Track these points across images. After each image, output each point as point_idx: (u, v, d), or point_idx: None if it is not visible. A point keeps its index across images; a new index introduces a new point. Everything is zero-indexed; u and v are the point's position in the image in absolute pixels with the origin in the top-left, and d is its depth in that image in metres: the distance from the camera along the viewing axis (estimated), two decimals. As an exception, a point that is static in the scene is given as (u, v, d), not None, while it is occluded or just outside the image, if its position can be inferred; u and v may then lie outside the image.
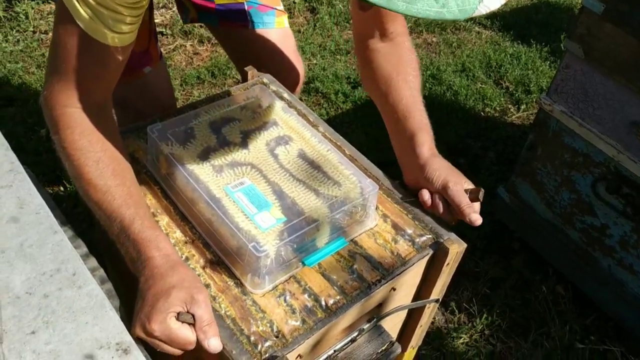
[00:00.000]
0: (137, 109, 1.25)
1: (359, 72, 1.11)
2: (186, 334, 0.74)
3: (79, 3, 0.76)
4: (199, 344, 0.75)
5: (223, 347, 0.76)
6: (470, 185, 0.95)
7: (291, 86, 1.33)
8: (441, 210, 0.95)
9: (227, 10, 1.28)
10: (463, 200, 0.92)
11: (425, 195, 0.96)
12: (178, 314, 0.74)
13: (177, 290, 0.75)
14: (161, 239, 0.81)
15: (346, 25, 2.74)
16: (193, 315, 0.75)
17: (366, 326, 0.94)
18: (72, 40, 0.79)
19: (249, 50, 1.33)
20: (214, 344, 0.75)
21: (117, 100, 1.25)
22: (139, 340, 0.74)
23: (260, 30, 1.31)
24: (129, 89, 1.23)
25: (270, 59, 1.33)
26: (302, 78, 1.42)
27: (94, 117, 0.84)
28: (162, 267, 0.78)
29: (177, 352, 0.76)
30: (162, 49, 2.42)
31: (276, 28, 1.33)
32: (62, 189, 1.79)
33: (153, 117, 1.06)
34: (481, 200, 0.92)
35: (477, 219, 0.91)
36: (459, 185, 0.93)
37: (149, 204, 0.92)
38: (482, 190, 0.93)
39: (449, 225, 0.97)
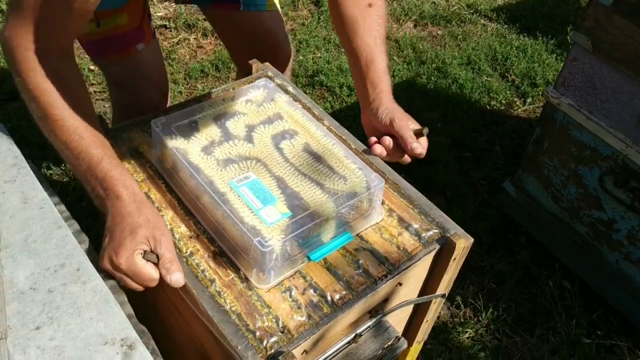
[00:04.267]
0: (131, 87, 1.27)
1: (330, 12, 1.13)
2: (150, 271, 0.79)
3: None
4: (162, 281, 0.80)
5: (228, 343, 0.76)
6: (416, 126, 1.01)
7: (281, 68, 1.35)
8: (391, 147, 1.01)
9: None
10: (407, 132, 0.98)
11: (377, 149, 1.02)
12: (144, 252, 0.80)
13: (144, 229, 0.80)
14: (127, 177, 0.85)
15: (351, 18, 2.72)
16: (157, 256, 0.80)
17: (372, 321, 0.93)
18: None
19: (240, 31, 1.34)
20: (175, 279, 0.80)
21: (112, 79, 1.30)
22: (104, 273, 0.80)
23: (252, 12, 1.31)
24: (123, 67, 1.27)
25: (261, 41, 1.35)
26: (291, 60, 1.44)
27: (58, 62, 0.85)
28: (129, 205, 0.82)
29: (140, 288, 0.82)
30: (165, 43, 2.42)
31: (268, 10, 1.33)
32: (66, 183, 1.79)
33: (156, 112, 1.05)
34: (425, 135, 1.00)
35: (418, 148, 0.98)
36: (404, 121, 1.00)
37: (153, 199, 0.92)
38: (426, 128, 1.00)
39: (456, 220, 0.96)
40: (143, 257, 0.80)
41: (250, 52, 1.29)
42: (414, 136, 0.98)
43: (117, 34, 1.20)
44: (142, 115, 1.06)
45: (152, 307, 0.99)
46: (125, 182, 0.84)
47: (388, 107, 1.01)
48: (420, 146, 0.98)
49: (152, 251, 0.81)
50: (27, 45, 0.83)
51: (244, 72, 1.39)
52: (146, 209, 0.83)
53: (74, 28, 0.87)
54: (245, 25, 1.33)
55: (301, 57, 2.42)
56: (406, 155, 1.02)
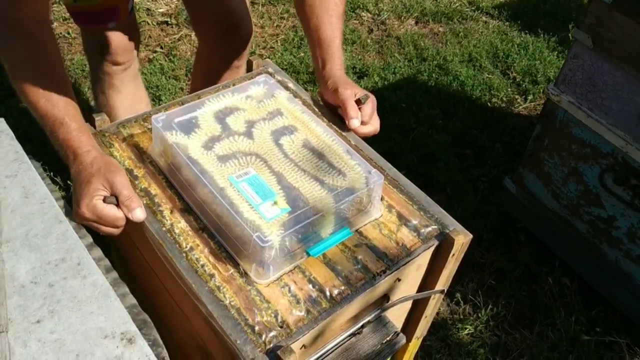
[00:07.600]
0: (100, 58, 1.39)
1: None
2: (112, 211, 0.85)
3: None
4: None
5: (227, 337, 0.77)
6: (362, 93, 1.06)
7: (242, 44, 1.42)
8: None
9: None
10: (349, 102, 1.04)
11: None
12: (105, 197, 0.86)
13: (96, 177, 0.86)
14: (83, 139, 0.90)
15: (351, 15, 2.72)
16: (117, 197, 0.86)
17: (371, 317, 0.94)
18: None
19: (206, 4, 1.38)
20: (137, 214, 0.86)
21: (85, 47, 1.46)
22: (79, 224, 0.87)
23: None
24: (93, 37, 1.37)
25: (225, 16, 1.38)
26: (252, 37, 1.49)
27: (34, 26, 0.89)
28: (84, 162, 0.88)
29: (114, 231, 0.88)
30: (167, 39, 2.42)
31: None
32: (67, 178, 1.79)
33: (158, 107, 1.06)
34: (364, 103, 1.04)
35: (355, 124, 1.04)
36: (349, 90, 1.05)
37: (153, 194, 0.92)
38: (367, 94, 1.05)
39: (456, 217, 0.96)
40: (104, 202, 0.85)
41: (214, 25, 1.36)
42: (355, 107, 1.04)
43: (92, 11, 1.30)
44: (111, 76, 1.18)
45: (152, 304, 1.00)
46: (81, 143, 0.89)
47: (335, 79, 1.07)
48: (358, 120, 1.04)
49: (111, 195, 0.86)
50: (3, 12, 0.87)
51: (203, 44, 1.49)
52: (98, 161, 0.88)
53: None
54: None
55: (302, 54, 2.42)
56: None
